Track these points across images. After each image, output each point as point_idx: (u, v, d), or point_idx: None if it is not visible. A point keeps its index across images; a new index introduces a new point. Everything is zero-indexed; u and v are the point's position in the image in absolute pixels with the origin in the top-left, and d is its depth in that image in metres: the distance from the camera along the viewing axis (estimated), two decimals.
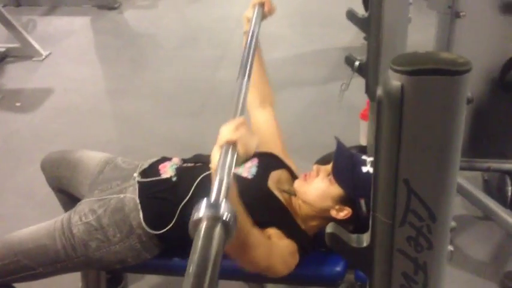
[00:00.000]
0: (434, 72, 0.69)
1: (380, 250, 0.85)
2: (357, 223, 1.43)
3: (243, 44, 1.56)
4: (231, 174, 0.98)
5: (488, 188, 2.43)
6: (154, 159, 1.67)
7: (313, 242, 1.50)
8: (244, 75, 1.33)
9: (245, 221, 1.18)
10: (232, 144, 1.07)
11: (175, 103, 3.46)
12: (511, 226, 2.08)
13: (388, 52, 1.73)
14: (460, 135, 0.74)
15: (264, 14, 1.72)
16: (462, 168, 2.23)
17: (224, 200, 0.87)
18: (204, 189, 1.48)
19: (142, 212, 1.51)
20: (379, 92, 0.74)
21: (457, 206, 2.38)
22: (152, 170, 1.62)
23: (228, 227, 0.83)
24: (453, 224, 0.82)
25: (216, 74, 3.79)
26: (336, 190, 1.43)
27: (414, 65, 0.71)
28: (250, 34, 1.57)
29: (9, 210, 2.58)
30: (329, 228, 0.88)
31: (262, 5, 1.72)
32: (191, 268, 0.74)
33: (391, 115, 0.74)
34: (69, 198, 1.86)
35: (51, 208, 1.97)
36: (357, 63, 1.82)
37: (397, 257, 0.84)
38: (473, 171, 2.34)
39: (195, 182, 1.49)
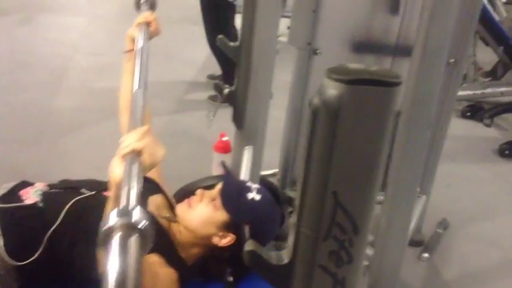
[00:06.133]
0: (372, 83, 0.71)
1: (301, 266, 0.83)
2: (236, 250, 1.40)
3: (129, 61, 1.59)
4: (141, 182, 0.87)
5: None
6: (13, 184, 1.46)
7: (191, 272, 1.43)
8: (141, 86, 1.26)
9: None
10: (137, 154, 0.97)
11: (10, 130, 3.10)
12: None
13: (257, 80, 1.76)
14: (384, 148, 0.76)
15: (151, 33, 1.63)
16: None
17: (138, 207, 0.77)
18: (76, 215, 1.33)
19: (4, 238, 1.31)
20: (316, 101, 0.73)
21: None
22: (13, 195, 1.41)
23: (145, 237, 0.73)
24: (370, 237, 0.84)
25: (52, 101, 3.52)
26: (221, 216, 1.39)
27: (352, 74, 0.71)
28: (140, 51, 1.46)
29: None
30: (248, 245, 0.83)
31: (148, 24, 1.64)
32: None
33: (326, 125, 0.73)
34: None
35: None
36: (226, 90, 1.82)
37: (318, 273, 0.83)
38: None
39: (64, 208, 1.33)
